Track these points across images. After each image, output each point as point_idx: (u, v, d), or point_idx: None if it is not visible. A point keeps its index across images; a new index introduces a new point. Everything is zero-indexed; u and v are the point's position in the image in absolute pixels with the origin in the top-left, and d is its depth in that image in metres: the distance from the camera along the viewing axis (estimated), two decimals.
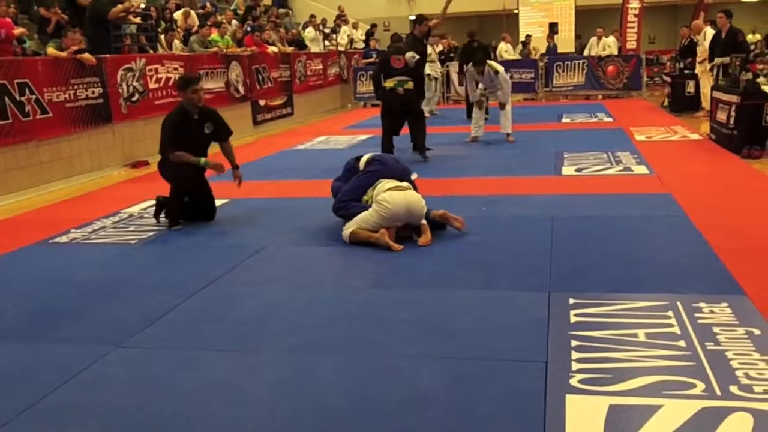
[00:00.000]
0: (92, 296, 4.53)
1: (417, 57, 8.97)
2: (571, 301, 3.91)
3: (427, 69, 12.40)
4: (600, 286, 4.18)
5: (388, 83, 8.93)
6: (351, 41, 20.98)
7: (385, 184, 5.44)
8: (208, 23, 13.87)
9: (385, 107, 9.24)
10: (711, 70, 12.45)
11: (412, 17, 25.23)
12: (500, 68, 10.41)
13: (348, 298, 4.27)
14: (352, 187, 5.70)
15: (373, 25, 23.33)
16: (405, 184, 5.51)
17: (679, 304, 3.80)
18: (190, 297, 4.37)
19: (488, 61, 10.46)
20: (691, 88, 13.92)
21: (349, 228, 5.40)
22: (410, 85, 8.90)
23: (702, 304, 3.78)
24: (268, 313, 4.09)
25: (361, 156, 5.95)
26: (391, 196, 5.28)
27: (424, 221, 5.41)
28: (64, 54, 8.90)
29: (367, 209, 5.40)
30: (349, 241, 5.36)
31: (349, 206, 5.59)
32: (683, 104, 13.91)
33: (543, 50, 20.19)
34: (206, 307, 4.24)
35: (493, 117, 10.82)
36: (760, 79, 9.16)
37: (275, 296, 4.38)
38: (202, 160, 6.31)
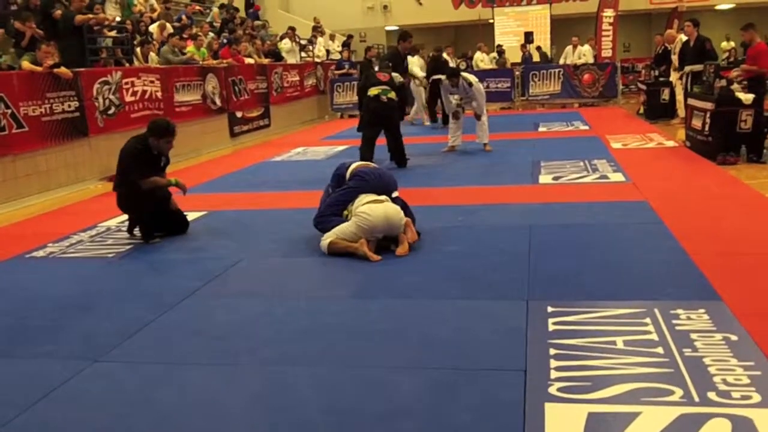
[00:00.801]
0: (69, 311, 4.48)
1: (402, 81, 9.45)
2: (549, 309, 3.92)
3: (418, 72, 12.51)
4: (578, 294, 4.20)
5: (373, 91, 9.10)
6: (328, 52, 21.01)
7: (364, 198, 5.45)
8: (184, 35, 13.81)
9: (367, 115, 9.35)
10: (681, 78, 12.63)
11: (389, 28, 25.60)
12: (474, 80, 10.46)
13: (325, 310, 4.25)
14: (332, 201, 5.71)
15: (350, 36, 23.41)
16: (383, 197, 5.52)
17: (656, 310, 3.82)
18: (168, 311, 4.33)
19: (462, 73, 10.51)
20: (666, 95, 14.08)
21: (327, 238, 5.39)
22: (393, 95, 9.09)
23: (679, 311, 3.80)
24: (245, 325, 4.07)
25: (352, 163, 5.96)
26: (370, 208, 5.30)
27: (401, 232, 5.41)
28: (39, 68, 8.83)
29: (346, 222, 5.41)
30: (328, 251, 5.34)
31: (329, 220, 5.59)
32: (658, 112, 14.06)
33: (518, 59, 20.32)
34: (184, 320, 4.21)
35: (470, 127, 10.84)
36: (734, 86, 9.25)
37: (253, 309, 4.35)
38: (172, 180, 6.30)
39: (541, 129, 13.34)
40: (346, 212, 5.54)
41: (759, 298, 4.02)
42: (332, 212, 5.65)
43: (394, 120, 9.27)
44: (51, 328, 4.19)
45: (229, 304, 4.45)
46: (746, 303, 3.91)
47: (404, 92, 10.09)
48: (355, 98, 18.66)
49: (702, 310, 3.80)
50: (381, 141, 9.37)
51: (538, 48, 21.26)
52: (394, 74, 9.45)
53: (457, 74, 10.33)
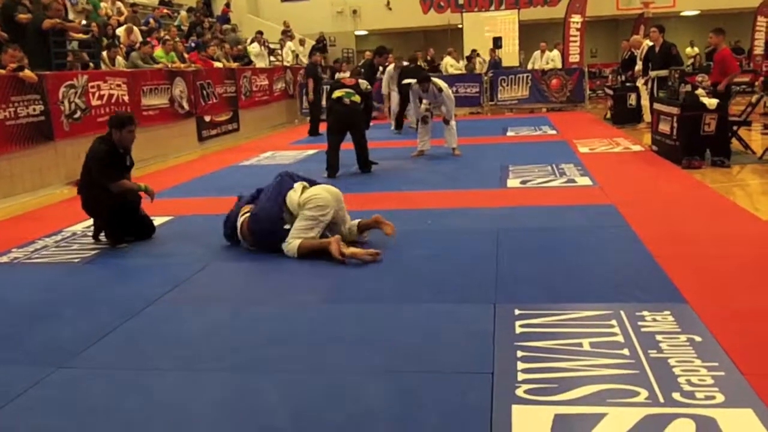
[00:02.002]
0: (32, 317, 4.41)
1: (370, 89, 9.52)
2: (517, 312, 3.94)
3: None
4: (545, 296, 4.22)
5: (337, 93, 9.06)
6: (296, 56, 20.95)
7: (293, 193, 5.44)
8: (148, 39, 13.69)
9: (330, 119, 9.30)
10: (645, 83, 12.80)
11: (358, 32, 25.64)
12: (444, 85, 10.50)
13: (292, 315, 4.23)
14: (266, 200, 5.57)
15: (322, 39, 23.40)
16: (306, 183, 5.58)
17: (622, 312, 3.85)
18: (133, 316, 4.28)
19: (433, 79, 10.54)
20: (632, 100, 14.27)
21: (293, 242, 5.33)
22: (357, 98, 9.01)
23: (645, 313, 3.84)
24: (211, 331, 4.03)
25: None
26: (314, 191, 5.39)
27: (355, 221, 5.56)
28: (3, 71, 8.70)
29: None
30: (298, 254, 5.30)
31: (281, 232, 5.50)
32: (625, 116, 14.24)
33: (486, 64, 20.45)
34: (149, 326, 4.16)
35: (439, 131, 10.88)
36: (699, 91, 9.38)
37: (219, 314, 4.32)
38: (142, 185, 6.25)
39: (509, 133, 13.44)
40: (287, 225, 5.44)
41: (723, 300, 4.08)
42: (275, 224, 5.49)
43: (357, 124, 9.23)
44: (14, 334, 4.12)
45: (195, 310, 4.41)
46: (710, 305, 3.96)
47: (370, 99, 10.11)
48: (325, 102, 18.77)
49: (667, 312, 3.84)
50: (349, 146, 9.36)
51: (492, 50, 21.25)
52: (361, 80, 9.46)
53: (428, 79, 10.36)
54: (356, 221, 5.65)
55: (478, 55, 20.66)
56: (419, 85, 10.35)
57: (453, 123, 10.61)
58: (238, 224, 5.64)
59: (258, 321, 4.16)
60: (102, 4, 15.15)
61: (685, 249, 5.16)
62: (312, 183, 5.69)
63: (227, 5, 21.98)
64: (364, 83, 9.37)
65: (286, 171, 5.89)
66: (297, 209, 5.39)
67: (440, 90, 10.26)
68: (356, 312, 4.23)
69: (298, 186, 5.52)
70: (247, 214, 5.61)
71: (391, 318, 4.08)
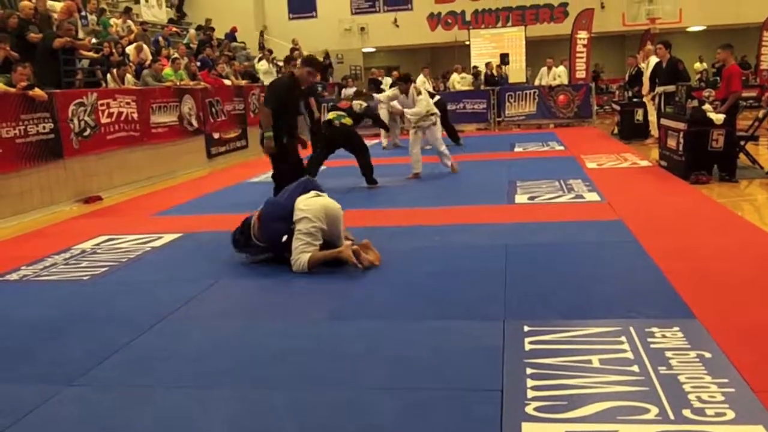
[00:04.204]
0: (42, 334, 4.43)
1: (364, 106, 9.72)
2: (526, 328, 3.93)
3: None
4: (554, 312, 4.21)
5: (329, 115, 9.50)
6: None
7: (303, 197, 5.53)
8: (159, 58, 13.79)
9: (319, 136, 9.73)
10: (653, 99, 12.82)
11: (365, 49, 25.74)
12: (424, 92, 10.50)
13: (301, 331, 4.24)
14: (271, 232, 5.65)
15: (326, 57, 23.51)
16: (322, 193, 5.63)
17: (631, 329, 3.84)
18: (143, 333, 4.30)
19: (413, 84, 10.48)
20: (639, 115, 14.29)
21: (301, 257, 5.36)
22: (348, 120, 9.37)
23: (654, 329, 3.83)
24: (221, 348, 4.04)
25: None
26: (308, 203, 5.41)
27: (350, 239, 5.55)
28: (13, 89, 8.78)
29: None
30: (309, 267, 5.33)
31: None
32: (632, 132, 14.26)
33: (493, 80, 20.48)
34: (159, 343, 4.17)
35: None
36: (706, 107, 9.39)
37: (228, 331, 4.33)
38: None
39: (516, 149, 13.45)
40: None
41: (733, 316, 4.06)
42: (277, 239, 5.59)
43: (351, 144, 9.49)
44: (24, 352, 4.14)
45: (204, 327, 4.42)
46: (720, 320, 3.95)
47: (371, 114, 10.32)
48: None
49: (676, 328, 3.83)
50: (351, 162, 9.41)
51: (488, 63, 21.26)
52: (355, 102, 9.77)
53: (408, 80, 10.34)
54: (348, 243, 5.57)
55: (479, 72, 20.65)
56: (398, 85, 10.20)
57: (442, 148, 10.48)
58: (252, 221, 5.71)
59: (266, 337, 4.16)
60: (112, 21, 15.30)
61: (694, 264, 5.15)
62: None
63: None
64: (357, 104, 9.67)
65: (308, 178, 6.01)
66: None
67: (419, 93, 10.15)
68: (364, 329, 4.23)
69: (308, 195, 5.56)
70: (261, 209, 5.75)
71: (398, 334, 4.08)
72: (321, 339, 4.09)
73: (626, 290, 4.63)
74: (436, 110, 10.39)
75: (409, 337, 4.02)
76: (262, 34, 22.93)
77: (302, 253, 5.37)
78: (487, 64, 20.78)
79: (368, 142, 10.09)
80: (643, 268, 5.09)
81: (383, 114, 14.30)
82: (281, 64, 20.13)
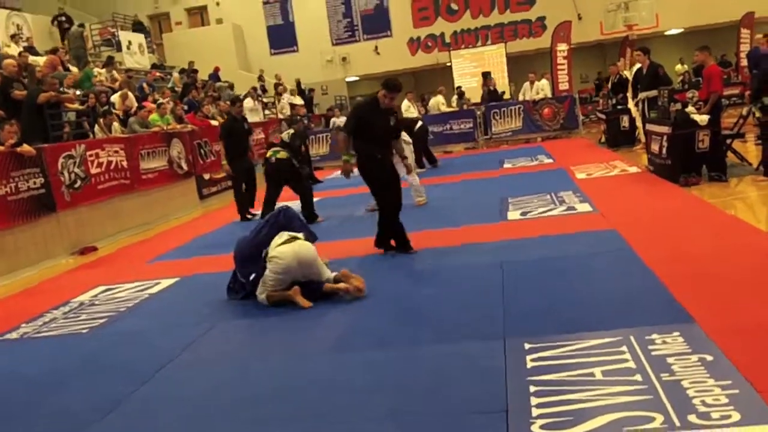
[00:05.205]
0: (45, 390, 4.42)
1: (291, 133, 10.05)
2: (527, 346, 3.94)
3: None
4: (554, 327, 4.22)
5: (267, 154, 9.95)
6: (292, 107, 21.15)
7: (277, 239, 5.60)
8: (144, 104, 13.85)
9: (265, 177, 10.01)
10: (636, 105, 12.91)
11: (349, 79, 25.88)
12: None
13: (301, 367, 4.24)
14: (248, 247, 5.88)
15: (311, 90, 23.63)
16: (298, 234, 5.68)
17: (632, 337, 3.85)
18: (144, 383, 4.29)
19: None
20: (625, 122, 14.38)
21: (262, 293, 5.57)
22: (282, 154, 9.66)
23: (654, 336, 3.84)
24: (220, 391, 4.03)
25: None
26: (281, 251, 5.46)
27: (332, 274, 5.57)
28: (1, 147, 8.80)
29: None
30: (269, 303, 5.53)
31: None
32: (620, 139, 14.35)
33: (478, 99, 20.58)
34: (160, 391, 4.16)
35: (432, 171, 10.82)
36: (689, 108, 9.46)
37: (227, 373, 4.33)
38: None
39: (506, 166, 13.50)
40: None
41: (731, 316, 4.08)
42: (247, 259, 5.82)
43: (289, 179, 9.73)
44: (24, 409, 4.13)
45: (203, 371, 4.42)
46: (719, 322, 3.97)
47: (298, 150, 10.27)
48: (322, 150, 18.91)
49: (677, 333, 3.84)
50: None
51: (489, 80, 21.25)
52: (284, 133, 10.19)
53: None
54: (333, 275, 5.62)
55: (463, 92, 20.73)
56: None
57: (413, 178, 9.28)
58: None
59: (267, 376, 4.17)
60: (96, 71, 15.37)
61: (690, 267, 5.17)
62: (302, 231, 5.82)
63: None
64: (286, 134, 10.09)
65: (285, 208, 6.08)
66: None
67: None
68: (363, 359, 4.23)
69: (281, 237, 5.64)
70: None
71: (399, 362, 4.08)
72: (321, 373, 4.09)
73: (624, 299, 4.64)
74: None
75: (410, 364, 4.02)
76: (261, 77, 23.02)
77: (263, 294, 5.58)
78: (489, 81, 20.80)
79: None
80: (639, 276, 5.11)
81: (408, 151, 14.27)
82: (266, 100, 20.30)
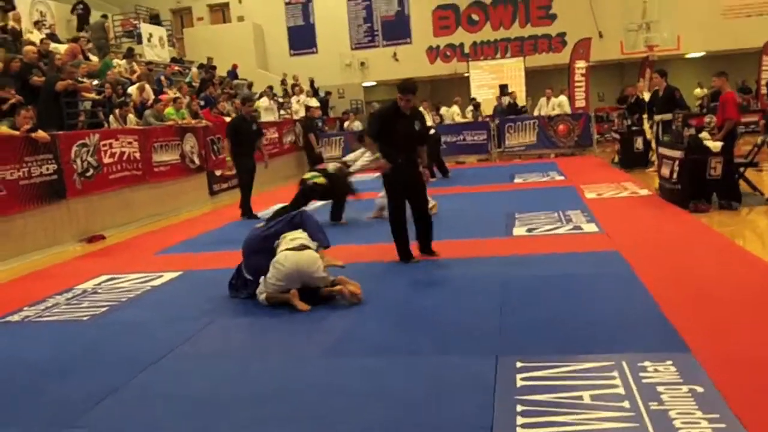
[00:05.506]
0: (41, 375, 4.47)
1: (337, 167, 9.93)
2: (518, 364, 3.95)
3: None
4: (548, 347, 4.23)
5: (306, 174, 10.10)
6: (307, 108, 21.23)
7: (288, 239, 5.68)
8: (160, 97, 13.94)
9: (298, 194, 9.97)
10: (651, 127, 12.88)
11: (366, 84, 25.96)
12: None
13: (299, 369, 4.27)
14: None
15: (328, 93, 23.70)
16: (301, 236, 5.73)
17: (624, 363, 3.85)
18: (140, 373, 4.34)
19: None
20: (639, 144, 14.35)
21: (262, 293, 5.61)
22: (320, 180, 9.63)
23: (647, 363, 3.84)
24: (218, 387, 4.07)
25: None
26: (284, 258, 5.51)
27: (328, 278, 5.59)
28: (17, 132, 8.89)
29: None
30: (268, 303, 5.58)
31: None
32: (633, 160, 14.30)
33: (490, 111, 20.59)
34: (156, 383, 4.21)
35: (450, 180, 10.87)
36: (703, 134, 9.42)
37: (225, 369, 4.37)
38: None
39: (516, 180, 13.50)
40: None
41: (726, 348, 4.07)
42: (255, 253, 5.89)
43: (317, 198, 9.81)
44: (23, 393, 4.18)
45: (202, 366, 4.46)
46: (714, 352, 3.96)
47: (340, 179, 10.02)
48: (335, 153, 18.89)
49: (669, 362, 3.84)
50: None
51: (510, 93, 21.36)
52: (331, 164, 10.19)
53: (362, 138, 9.92)
54: (332, 279, 5.66)
55: (478, 104, 20.78)
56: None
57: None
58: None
59: (265, 376, 4.20)
60: (115, 62, 15.49)
61: (690, 295, 5.16)
62: (316, 235, 5.87)
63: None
64: (332, 165, 10.01)
65: (304, 210, 6.24)
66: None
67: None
68: (358, 365, 4.25)
69: (286, 237, 5.73)
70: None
71: (393, 371, 4.10)
72: (316, 377, 4.12)
73: (621, 323, 4.64)
74: None
75: (404, 374, 4.04)
76: (284, 81, 23.08)
77: (262, 294, 5.63)
78: (510, 93, 20.82)
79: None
80: (638, 300, 5.11)
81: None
82: (282, 100, 20.36)
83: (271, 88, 19.76)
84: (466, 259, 6.92)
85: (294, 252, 5.54)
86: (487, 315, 4.98)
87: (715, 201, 8.96)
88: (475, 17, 25.08)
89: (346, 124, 20.72)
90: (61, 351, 5.00)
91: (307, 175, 10.03)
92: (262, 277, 5.64)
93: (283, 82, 23.00)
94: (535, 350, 4.18)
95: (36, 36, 14.52)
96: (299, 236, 5.74)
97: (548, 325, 4.67)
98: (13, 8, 15.68)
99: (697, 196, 8.84)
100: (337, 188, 9.71)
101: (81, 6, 18.76)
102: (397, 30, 25.47)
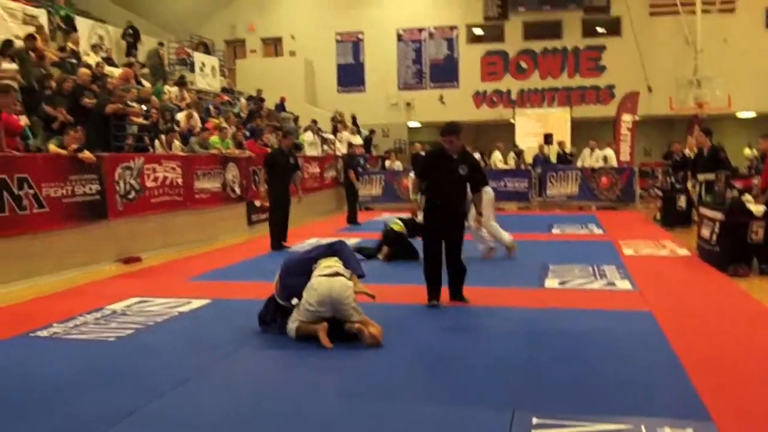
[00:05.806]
0: (59, 393, 4.53)
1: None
2: (534, 421, 3.89)
3: None
4: (566, 406, 4.15)
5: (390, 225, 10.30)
6: (350, 145, 21.42)
7: (323, 265, 5.74)
8: (206, 126, 14.20)
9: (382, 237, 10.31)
10: (693, 186, 12.71)
11: (411, 124, 26.14)
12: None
13: (311, 409, 4.23)
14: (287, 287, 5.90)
15: (372, 131, 23.91)
16: (336, 264, 5.76)
17: (643, 427, 3.77)
18: (158, 398, 4.36)
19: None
20: (682, 202, 14.13)
21: (294, 322, 5.62)
22: (398, 227, 10.01)
23: (667, 429, 3.75)
24: (230, 421, 4.06)
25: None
26: (318, 282, 5.56)
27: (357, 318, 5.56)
28: (64, 151, 9.12)
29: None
30: (295, 336, 5.58)
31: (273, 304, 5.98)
32: (675, 219, 14.08)
33: (530, 160, 20.52)
34: (172, 410, 4.23)
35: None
36: (746, 197, 9.26)
37: (240, 403, 4.37)
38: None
39: (554, 231, 13.41)
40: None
41: (749, 419, 3.96)
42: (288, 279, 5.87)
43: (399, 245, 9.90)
44: (37, 409, 4.23)
45: (217, 396, 4.47)
46: (735, 424, 3.86)
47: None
48: (375, 191, 18.99)
49: (690, 430, 3.75)
50: None
51: (560, 143, 21.29)
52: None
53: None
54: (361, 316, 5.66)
55: (521, 151, 20.76)
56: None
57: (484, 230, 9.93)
58: (275, 282, 5.99)
59: (276, 414, 4.17)
60: (166, 88, 15.84)
61: (718, 361, 5.05)
62: (351, 265, 5.91)
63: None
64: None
65: (340, 241, 6.22)
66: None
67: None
68: (371, 410, 4.22)
69: (321, 264, 5.78)
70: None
71: (405, 418, 4.06)
72: (329, 419, 4.08)
73: (644, 386, 4.54)
74: None
75: (415, 422, 3.99)
76: (334, 118, 23.37)
77: (294, 321, 5.64)
78: (560, 143, 20.78)
79: None
80: (664, 363, 5.00)
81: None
82: (327, 136, 20.57)
83: (315, 122, 19.99)
84: (495, 308, 6.86)
85: (327, 278, 5.59)
86: (509, 367, 4.92)
87: (755, 266, 8.78)
88: (523, 65, 25.20)
89: (387, 163, 20.85)
90: (83, 370, 5.06)
91: (391, 224, 10.29)
92: (296, 302, 5.66)
93: (334, 119, 23.26)
94: (553, 408, 4.11)
95: (93, 59, 14.94)
96: (334, 264, 5.79)
97: (570, 383, 4.59)
98: (75, 30, 16.17)
99: (737, 259, 8.67)
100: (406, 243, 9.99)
101: (130, 30, 19.29)
102: (445, 73, 25.72)
